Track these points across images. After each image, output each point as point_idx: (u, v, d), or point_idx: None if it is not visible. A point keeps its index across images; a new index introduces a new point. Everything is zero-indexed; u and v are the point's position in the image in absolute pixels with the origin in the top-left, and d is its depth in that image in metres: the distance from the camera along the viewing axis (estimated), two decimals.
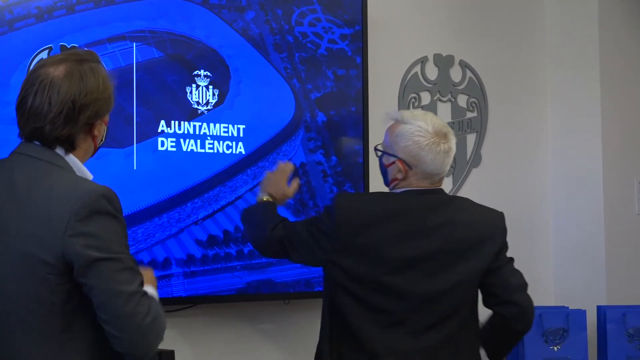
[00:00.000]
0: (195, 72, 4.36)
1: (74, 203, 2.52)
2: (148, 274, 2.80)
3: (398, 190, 3.57)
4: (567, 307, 5.25)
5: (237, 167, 4.45)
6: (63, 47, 3.98)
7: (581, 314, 5.18)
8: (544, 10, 5.82)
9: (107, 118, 2.82)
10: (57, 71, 2.66)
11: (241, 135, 4.46)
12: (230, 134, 4.43)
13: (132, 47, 4.19)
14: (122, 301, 2.52)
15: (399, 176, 3.55)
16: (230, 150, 4.43)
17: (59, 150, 2.68)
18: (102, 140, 2.83)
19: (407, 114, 3.61)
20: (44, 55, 3.95)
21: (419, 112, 3.79)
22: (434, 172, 3.53)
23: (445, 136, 3.54)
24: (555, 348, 5.09)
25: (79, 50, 2.80)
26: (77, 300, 2.57)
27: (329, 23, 4.76)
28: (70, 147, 2.69)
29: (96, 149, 2.83)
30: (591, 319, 5.26)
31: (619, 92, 5.68)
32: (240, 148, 4.46)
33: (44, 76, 2.66)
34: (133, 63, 4.18)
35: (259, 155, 4.51)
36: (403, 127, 3.54)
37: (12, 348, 2.59)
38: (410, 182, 3.54)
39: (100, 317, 2.55)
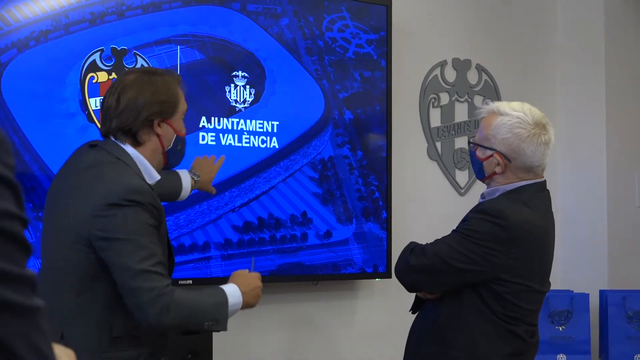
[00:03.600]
0: (234, 73, 4.37)
1: (109, 191, 2.66)
2: (244, 277, 2.92)
3: (518, 185, 3.22)
4: (572, 291, 5.22)
5: (271, 160, 4.47)
6: (114, 50, 4.04)
7: (585, 297, 5.16)
8: (555, 19, 5.80)
9: (177, 125, 2.93)
10: (129, 77, 2.84)
11: (275, 130, 4.48)
12: (265, 130, 4.45)
13: (177, 49, 4.21)
14: (129, 275, 2.62)
15: (498, 170, 3.21)
16: (265, 144, 4.45)
17: (127, 147, 2.82)
18: (171, 145, 2.92)
19: (503, 105, 3.26)
20: (96, 56, 4.00)
21: (515, 103, 3.28)
22: (534, 164, 3.19)
23: (544, 127, 3.20)
24: (560, 328, 5.07)
25: (161, 69, 3.02)
26: (100, 269, 2.69)
27: (357, 29, 4.75)
28: (134, 141, 2.83)
29: (165, 155, 2.91)
30: (594, 302, 5.25)
31: (623, 95, 5.65)
32: (274, 142, 4.47)
33: (118, 82, 2.85)
34: (177, 64, 4.21)
35: (291, 149, 4.53)
36: (501, 118, 3.20)
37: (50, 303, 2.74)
38: (508, 176, 3.22)
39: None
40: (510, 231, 3.09)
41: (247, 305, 2.87)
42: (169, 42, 4.19)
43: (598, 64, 5.59)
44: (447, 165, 5.29)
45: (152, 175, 2.86)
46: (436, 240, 3.23)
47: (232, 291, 2.82)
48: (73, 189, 2.77)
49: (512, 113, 3.20)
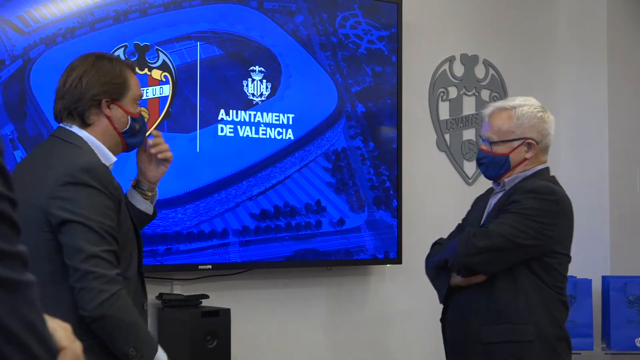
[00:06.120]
0: (251, 68, 4.38)
1: (59, 172, 2.59)
2: None
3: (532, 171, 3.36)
4: (575, 277, 5.07)
5: (286, 151, 4.48)
6: (137, 45, 4.06)
7: (587, 283, 5.13)
8: (557, 15, 5.76)
9: (128, 107, 2.80)
10: (78, 60, 2.79)
11: (290, 123, 4.48)
12: (280, 122, 4.45)
13: (197, 45, 4.22)
14: (81, 258, 2.52)
15: (529, 155, 3.33)
16: (281, 136, 4.45)
17: (77, 130, 2.73)
18: (127, 127, 2.80)
19: (509, 100, 3.45)
20: (120, 52, 4.00)
21: (515, 97, 3.47)
22: (551, 142, 3.40)
23: (545, 109, 3.41)
24: None
25: (115, 55, 3.00)
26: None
27: (368, 26, 4.74)
28: (82, 122, 2.74)
29: (121, 136, 2.80)
30: (596, 287, 5.20)
31: (625, 88, 5.61)
32: (290, 134, 4.48)
33: (69, 65, 2.80)
34: (197, 59, 4.22)
35: (306, 141, 4.53)
36: (520, 109, 3.34)
37: None
38: (532, 161, 3.34)
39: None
40: (560, 205, 3.27)
41: None
42: (190, 39, 4.20)
43: (600, 57, 5.55)
44: (455, 156, 5.27)
45: (107, 156, 2.75)
46: (493, 223, 3.28)
47: (162, 354, 2.63)
48: (28, 180, 2.66)
49: (525, 103, 3.37)
